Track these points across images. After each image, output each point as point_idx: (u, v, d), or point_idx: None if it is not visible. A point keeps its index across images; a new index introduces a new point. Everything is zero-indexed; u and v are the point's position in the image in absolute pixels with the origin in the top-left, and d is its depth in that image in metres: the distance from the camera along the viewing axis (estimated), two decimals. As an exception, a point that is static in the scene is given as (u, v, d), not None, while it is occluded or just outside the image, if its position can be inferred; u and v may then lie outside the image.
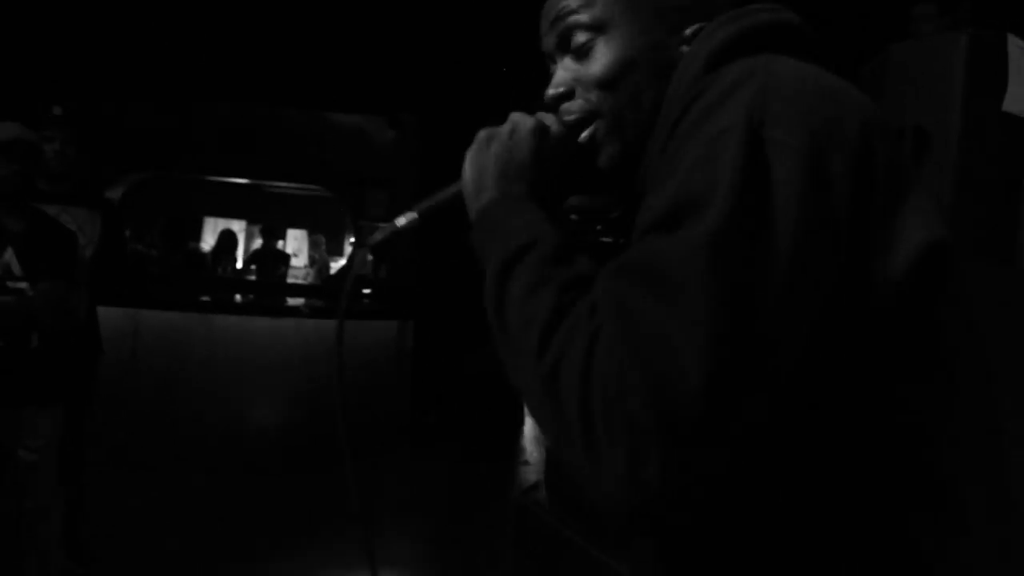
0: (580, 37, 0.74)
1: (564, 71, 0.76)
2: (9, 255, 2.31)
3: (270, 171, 7.24)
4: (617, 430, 0.48)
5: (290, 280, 8.07)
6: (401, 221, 0.77)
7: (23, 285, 2.32)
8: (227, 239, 7.34)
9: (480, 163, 0.73)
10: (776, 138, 0.54)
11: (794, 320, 0.52)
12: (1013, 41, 2.12)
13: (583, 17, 0.74)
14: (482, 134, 0.75)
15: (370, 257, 6.92)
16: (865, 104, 0.61)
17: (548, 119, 0.75)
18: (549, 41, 0.78)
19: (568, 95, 0.76)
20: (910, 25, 4.09)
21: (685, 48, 0.72)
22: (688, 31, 0.72)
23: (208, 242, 9.56)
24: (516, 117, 0.75)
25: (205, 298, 5.91)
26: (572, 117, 0.75)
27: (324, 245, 9.47)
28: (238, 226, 9.60)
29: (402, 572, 3.47)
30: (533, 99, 0.81)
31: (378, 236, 0.79)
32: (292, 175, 7.28)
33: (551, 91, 0.77)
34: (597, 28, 0.73)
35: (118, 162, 6.37)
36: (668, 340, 0.48)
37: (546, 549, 3.04)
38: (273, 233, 8.04)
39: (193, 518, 3.62)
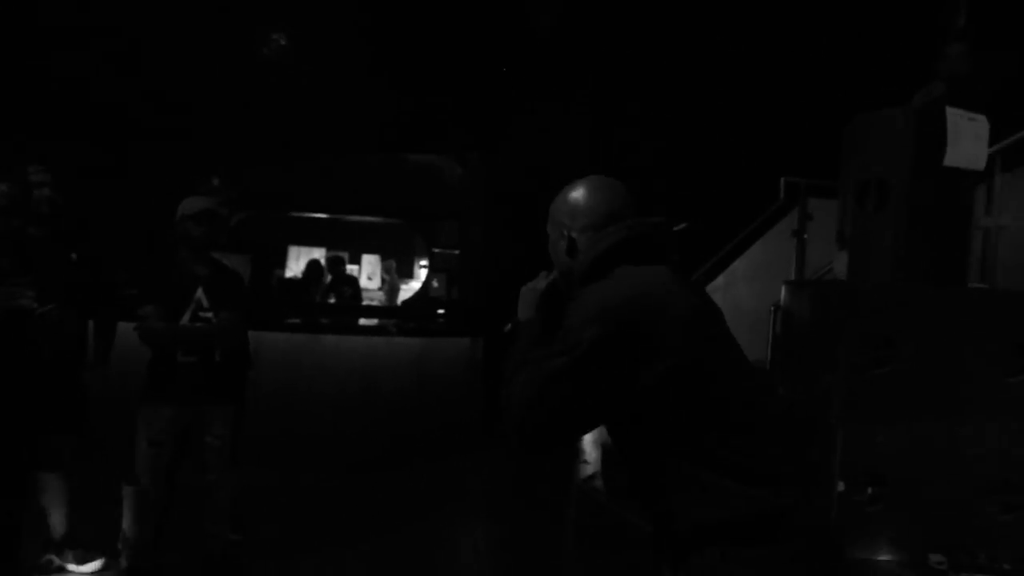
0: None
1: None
2: (200, 293, 3.15)
3: (348, 207, 8.14)
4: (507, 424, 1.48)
5: (364, 301, 8.93)
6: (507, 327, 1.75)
7: (210, 315, 3.15)
8: (314, 268, 8.23)
9: (524, 300, 1.71)
10: (591, 332, 1.41)
11: (575, 404, 1.44)
12: (951, 111, 2.74)
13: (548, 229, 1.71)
14: (525, 288, 1.72)
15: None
16: (643, 297, 1.45)
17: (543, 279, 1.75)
18: None
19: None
20: (941, 63, 4.60)
21: (574, 235, 1.62)
22: (575, 231, 1.63)
23: (292, 269, 10.53)
24: (541, 275, 1.76)
25: (295, 320, 6.77)
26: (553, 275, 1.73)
27: (395, 269, 10.32)
28: (318, 253, 10.54)
29: (485, 543, 4.19)
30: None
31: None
32: (373, 209, 8.16)
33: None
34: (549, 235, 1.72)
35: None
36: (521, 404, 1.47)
37: (602, 522, 3.75)
38: (339, 261, 8.85)
39: (308, 503, 4.43)
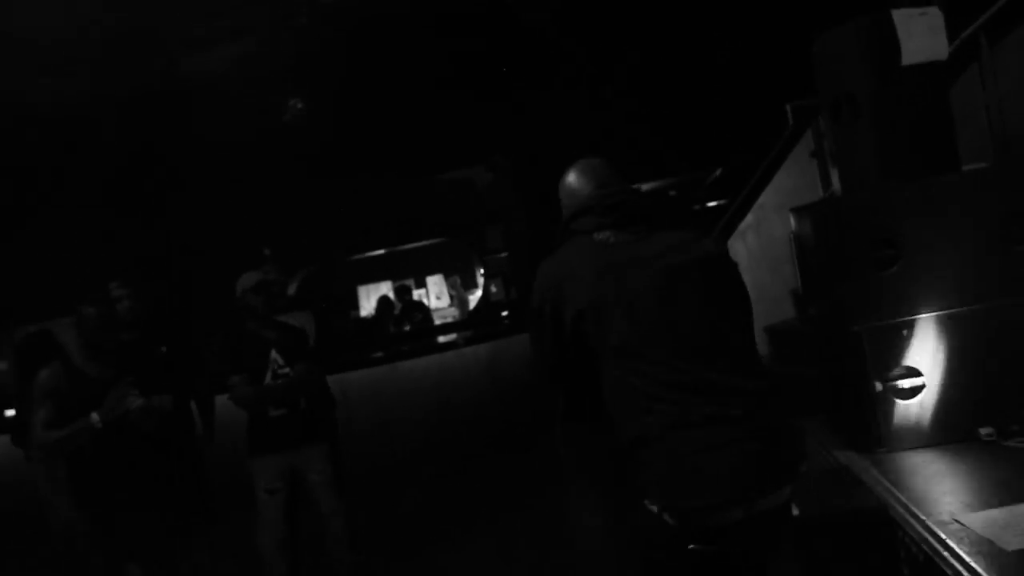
0: None
1: None
2: (274, 354, 3.57)
3: (401, 237, 8.60)
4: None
5: (438, 320, 9.39)
6: None
7: (287, 370, 3.57)
8: (385, 304, 8.71)
9: None
10: (534, 303, 1.91)
11: (546, 357, 1.92)
12: (897, 13, 2.85)
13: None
14: None
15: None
16: (566, 271, 1.89)
17: None
18: None
19: None
20: None
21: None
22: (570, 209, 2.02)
23: (365, 307, 11.12)
24: None
25: (379, 353, 7.24)
26: None
27: (460, 283, 10.74)
28: (386, 287, 11.08)
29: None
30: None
31: None
32: (418, 235, 8.59)
33: None
34: None
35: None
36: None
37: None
38: (405, 291, 9.32)
39: (416, 517, 4.81)
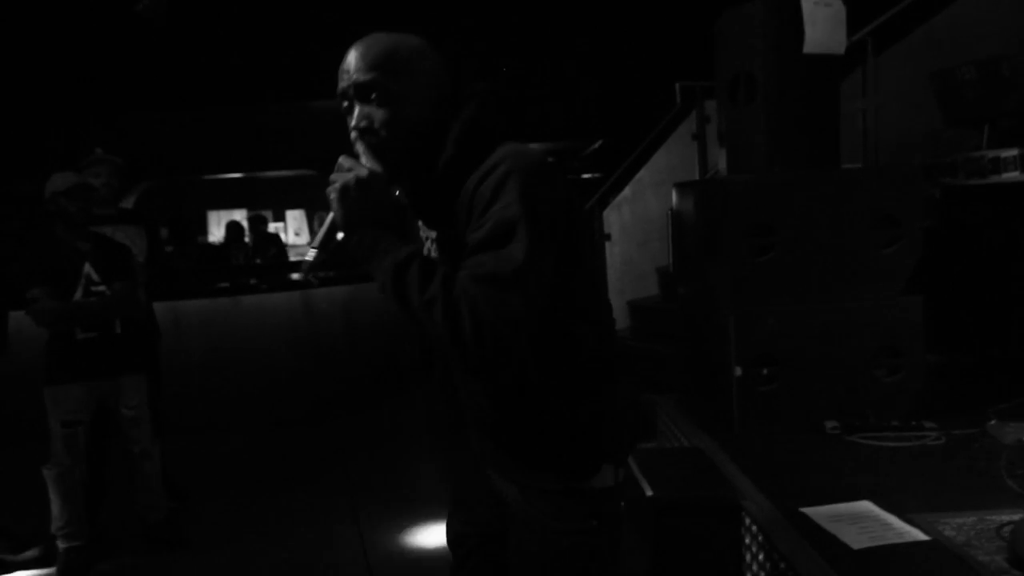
0: (375, 95, 1.22)
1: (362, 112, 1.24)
2: (87, 268, 3.07)
3: (263, 163, 7.94)
4: (487, 342, 1.08)
5: (294, 257, 8.81)
6: (310, 255, 1.25)
7: (102, 288, 3.09)
8: (235, 230, 8.05)
9: (345, 207, 1.20)
10: (531, 210, 1.12)
11: (542, 286, 1.15)
12: (804, 0, 2.79)
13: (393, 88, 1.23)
14: (332, 190, 1.21)
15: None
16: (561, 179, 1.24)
17: (364, 167, 1.21)
18: (348, 88, 1.23)
19: (367, 129, 1.23)
20: None
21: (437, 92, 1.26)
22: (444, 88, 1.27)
23: (214, 234, 10.28)
24: (346, 164, 1.22)
25: (224, 284, 6.66)
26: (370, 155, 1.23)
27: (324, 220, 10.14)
28: (239, 215, 10.30)
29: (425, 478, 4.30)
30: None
31: (307, 264, 1.25)
32: (283, 163, 7.96)
33: (362, 124, 1.23)
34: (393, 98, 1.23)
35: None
36: (505, 305, 1.09)
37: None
38: (261, 221, 8.62)
39: (244, 464, 4.45)
